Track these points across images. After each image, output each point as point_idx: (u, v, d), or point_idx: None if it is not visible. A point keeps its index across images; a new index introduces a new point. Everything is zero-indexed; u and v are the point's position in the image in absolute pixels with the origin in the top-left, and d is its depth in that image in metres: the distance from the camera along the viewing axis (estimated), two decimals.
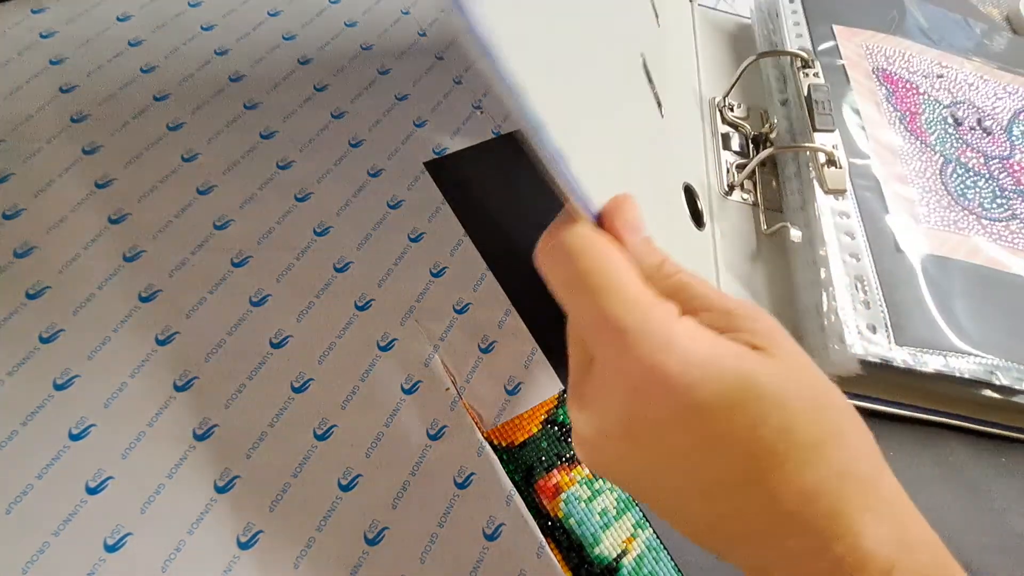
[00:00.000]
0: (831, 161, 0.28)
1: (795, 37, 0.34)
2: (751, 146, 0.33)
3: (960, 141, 0.33)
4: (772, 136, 0.32)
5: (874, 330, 0.24)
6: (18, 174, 0.26)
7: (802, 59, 0.32)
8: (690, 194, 0.28)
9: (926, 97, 0.34)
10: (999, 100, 0.35)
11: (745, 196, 0.31)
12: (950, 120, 0.33)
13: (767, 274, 0.29)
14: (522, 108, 0.11)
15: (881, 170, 0.29)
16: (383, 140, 0.31)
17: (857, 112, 0.31)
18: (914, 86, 0.34)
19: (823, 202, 0.27)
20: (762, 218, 0.30)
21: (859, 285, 0.25)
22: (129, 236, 0.25)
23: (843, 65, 0.33)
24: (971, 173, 0.31)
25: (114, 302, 0.24)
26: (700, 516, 0.14)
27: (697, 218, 0.28)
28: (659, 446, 0.13)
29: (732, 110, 0.34)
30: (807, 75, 0.32)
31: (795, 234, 0.28)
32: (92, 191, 0.26)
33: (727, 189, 0.31)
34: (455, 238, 0.28)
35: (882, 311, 0.24)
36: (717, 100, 0.34)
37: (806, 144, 0.29)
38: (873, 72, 0.34)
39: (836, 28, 0.35)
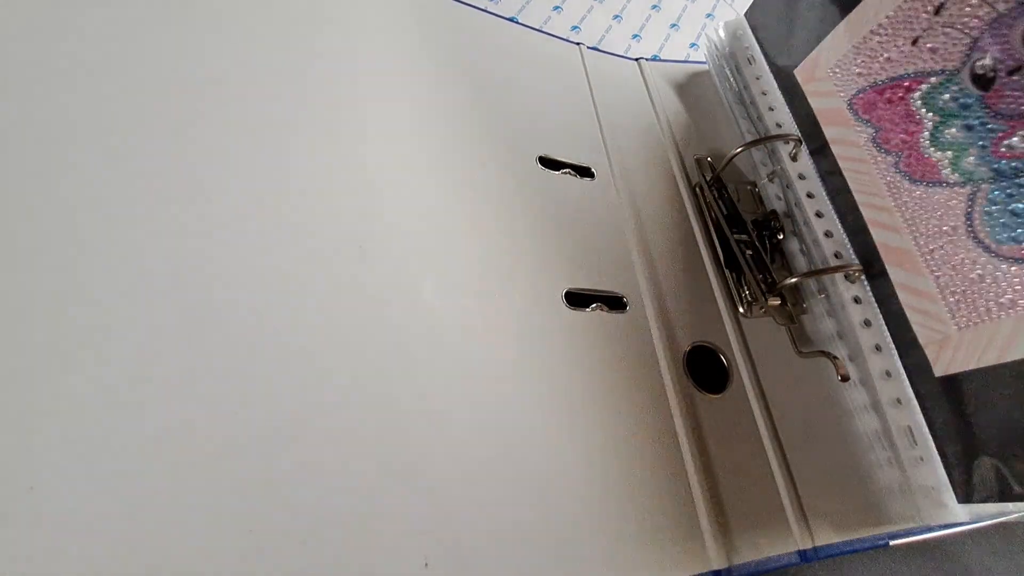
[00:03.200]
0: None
1: (768, 110, 0.30)
2: (755, 241, 0.29)
3: (988, 131, 0.20)
4: (776, 228, 0.28)
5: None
6: None
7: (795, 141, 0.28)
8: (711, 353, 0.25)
9: (924, 89, 0.22)
10: None
11: (764, 311, 0.27)
12: (970, 93, 0.21)
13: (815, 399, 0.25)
14: None
15: (893, 274, 0.24)
16: None
17: (850, 192, 0.25)
18: (901, 84, 0.23)
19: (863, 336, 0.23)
20: (790, 336, 0.26)
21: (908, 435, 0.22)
22: None
23: (818, 122, 0.26)
24: (1018, 175, 0.19)
25: None
26: None
27: (723, 379, 0.25)
28: None
29: (722, 196, 0.30)
30: (798, 162, 0.28)
31: (841, 368, 0.24)
32: None
33: (746, 308, 0.27)
34: None
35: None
36: (702, 190, 0.30)
37: (829, 267, 0.25)
38: (849, 108, 0.26)
39: (797, 73, 0.28)
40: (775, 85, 0.30)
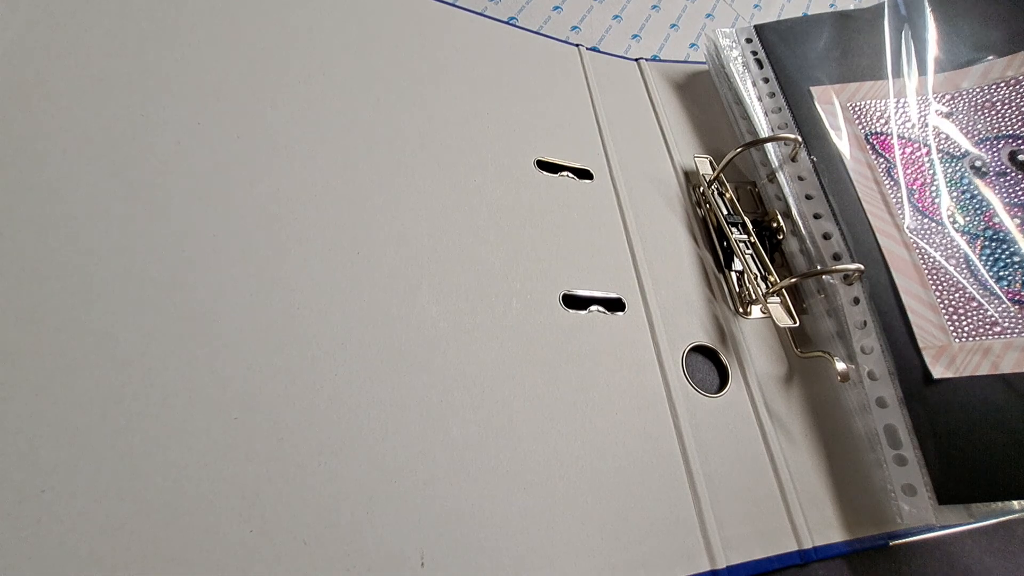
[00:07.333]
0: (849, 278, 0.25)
1: (770, 112, 0.30)
2: (755, 241, 0.28)
3: (982, 205, 0.26)
4: (776, 228, 0.28)
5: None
6: None
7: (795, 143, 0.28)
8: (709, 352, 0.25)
9: (938, 156, 0.28)
10: None
11: (764, 311, 0.27)
12: (967, 177, 0.27)
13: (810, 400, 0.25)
14: None
15: (897, 280, 0.24)
16: None
17: (859, 201, 0.26)
18: (916, 143, 0.28)
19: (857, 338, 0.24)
20: (790, 336, 0.26)
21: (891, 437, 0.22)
22: None
23: (832, 140, 0.28)
24: (1003, 243, 0.25)
25: None
26: None
27: (722, 379, 0.25)
28: None
29: (722, 196, 0.30)
30: (797, 163, 0.28)
31: (840, 368, 0.24)
32: None
33: (746, 308, 0.27)
34: None
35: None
36: (702, 190, 0.30)
37: (830, 268, 0.25)
38: (867, 140, 0.28)
39: (814, 91, 0.30)
40: (780, 89, 0.31)
